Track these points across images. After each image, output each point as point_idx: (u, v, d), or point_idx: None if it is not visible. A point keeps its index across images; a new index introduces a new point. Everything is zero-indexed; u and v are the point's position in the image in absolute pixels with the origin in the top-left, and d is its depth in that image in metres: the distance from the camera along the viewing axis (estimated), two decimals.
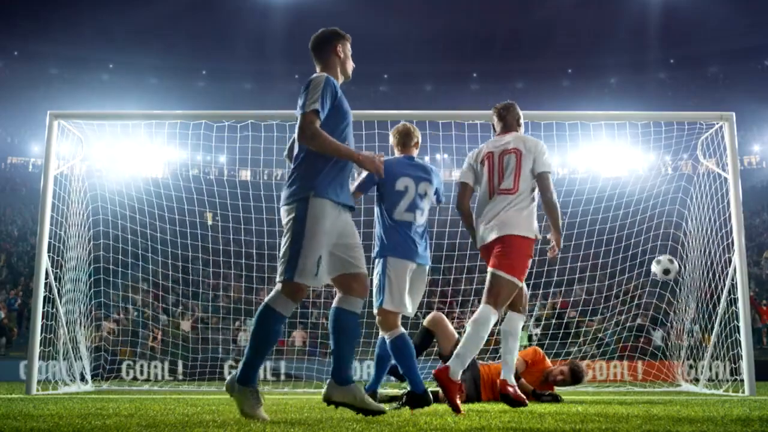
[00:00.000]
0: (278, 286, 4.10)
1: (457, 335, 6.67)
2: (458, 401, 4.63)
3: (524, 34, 42.97)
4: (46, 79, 43.39)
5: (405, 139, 5.58)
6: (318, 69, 4.43)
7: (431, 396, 5.09)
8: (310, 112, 4.06)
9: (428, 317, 6.57)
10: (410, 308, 5.36)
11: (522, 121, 5.63)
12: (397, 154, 5.64)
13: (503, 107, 5.60)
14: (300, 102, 4.15)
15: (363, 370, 16.07)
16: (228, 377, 4.19)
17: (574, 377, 6.71)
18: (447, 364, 4.83)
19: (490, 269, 5.10)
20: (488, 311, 4.95)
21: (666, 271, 8.22)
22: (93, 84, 42.25)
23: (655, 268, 8.29)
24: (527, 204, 5.18)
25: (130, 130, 10.93)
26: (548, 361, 6.92)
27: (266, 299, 4.11)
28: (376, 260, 5.33)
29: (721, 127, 8.90)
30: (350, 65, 4.52)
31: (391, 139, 5.75)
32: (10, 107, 40.25)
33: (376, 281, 5.29)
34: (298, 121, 4.11)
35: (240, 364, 4.13)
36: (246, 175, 22.42)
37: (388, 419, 4.00)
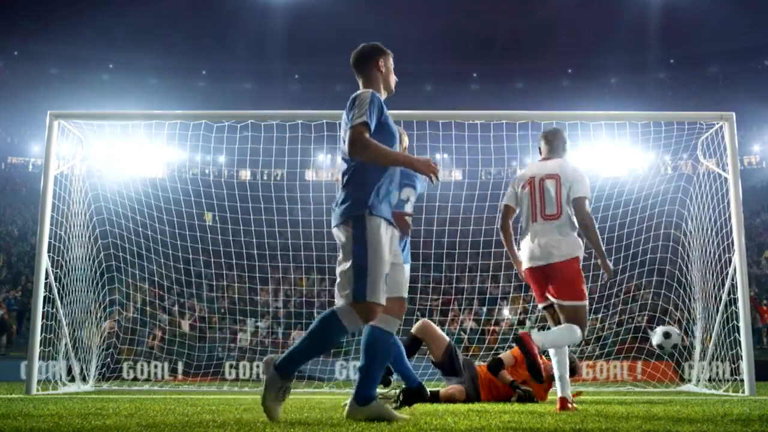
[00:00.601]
0: (345, 303, 3.97)
1: (447, 339, 6.70)
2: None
3: (524, 34, 42.94)
4: (46, 79, 43.37)
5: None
6: (360, 84, 4.40)
7: (427, 391, 5.16)
8: (359, 125, 4.01)
9: (416, 325, 6.68)
10: None
11: (568, 146, 5.73)
12: None
13: (551, 132, 5.75)
14: (346, 118, 4.11)
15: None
16: (263, 366, 4.08)
17: (570, 370, 6.70)
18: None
19: (560, 301, 5.25)
20: (576, 329, 5.17)
21: (666, 341, 7.22)
22: (93, 84, 42.23)
23: (657, 341, 7.34)
24: (572, 229, 5.38)
25: (130, 130, 10.92)
26: (543, 357, 6.92)
27: (336, 307, 4.00)
28: None
29: (721, 127, 8.89)
30: (393, 79, 4.50)
31: (405, 141, 5.79)
32: (10, 107, 40.23)
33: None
34: (348, 136, 4.02)
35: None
36: (246, 175, 22.44)
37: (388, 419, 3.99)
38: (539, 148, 5.76)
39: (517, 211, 5.62)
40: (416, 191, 5.60)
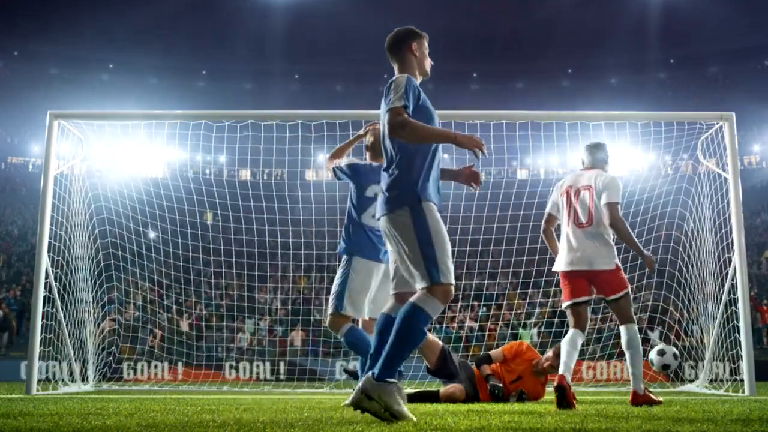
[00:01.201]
0: (424, 291, 3.94)
1: (440, 343, 6.72)
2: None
3: (524, 34, 42.93)
4: (46, 79, 43.37)
5: (378, 149, 5.70)
6: (396, 69, 4.38)
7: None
8: (397, 107, 4.01)
9: None
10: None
11: (610, 159, 6.16)
12: (368, 156, 5.88)
13: (594, 145, 6.18)
14: (384, 103, 4.10)
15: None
16: (352, 397, 3.84)
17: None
18: (633, 389, 5.61)
19: (609, 297, 5.80)
20: (634, 328, 5.74)
21: (658, 357, 7.36)
22: (93, 84, 42.23)
23: (651, 356, 7.50)
24: (608, 237, 5.81)
25: (130, 130, 10.92)
26: (534, 352, 6.93)
27: (413, 299, 3.94)
28: (344, 256, 5.69)
29: (721, 127, 8.89)
30: (428, 63, 4.46)
31: (367, 138, 5.85)
32: (10, 107, 40.23)
33: (338, 281, 5.66)
34: (386, 119, 4.02)
35: (380, 361, 3.87)
36: (246, 175, 22.45)
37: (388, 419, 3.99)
38: (582, 159, 6.17)
39: (558, 218, 6.07)
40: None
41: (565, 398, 5.28)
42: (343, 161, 5.91)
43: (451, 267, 4.00)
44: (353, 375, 5.89)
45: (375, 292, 5.72)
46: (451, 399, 6.32)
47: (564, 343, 5.68)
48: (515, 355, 6.77)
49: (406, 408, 3.85)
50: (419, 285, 3.99)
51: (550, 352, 6.72)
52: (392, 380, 3.83)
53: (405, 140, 4.04)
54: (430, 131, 4.06)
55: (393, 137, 4.06)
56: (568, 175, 6.17)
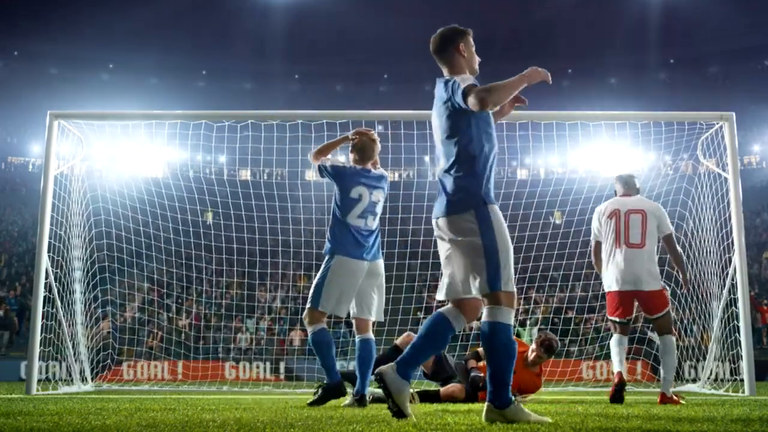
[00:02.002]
0: (490, 303, 3.87)
1: None
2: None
3: (524, 34, 42.91)
4: (46, 79, 43.35)
5: (362, 154, 5.91)
6: (445, 72, 4.26)
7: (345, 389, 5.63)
8: (469, 84, 3.93)
9: (401, 338, 6.81)
10: (374, 314, 5.81)
11: (639, 186, 6.83)
12: (352, 159, 5.99)
13: (629, 175, 6.85)
14: (451, 93, 3.98)
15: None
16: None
17: (546, 349, 6.72)
18: (662, 391, 6.22)
19: (654, 315, 6.38)
20: (672, 339, 6.38)
21: None
22: (93, 84, 42.22)
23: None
24: (655, 258, 6.41)
25: (130, 130, 10.92)
26: (525, 344, 6.93)
27: (487, 318, 3.87)
28: (326, 256, 5.77)
29: (721, 127, 8.89)
30: (476, 60, 4.34)
31: (356, 142, 5.97)
32: (10, 107, 40.23)
33: (318, 278, 5.74)
34: (470, 98, 3.85)
35: (490, 389, 3.84)
36: (246, 175, 22.41)
37: (388, 419, 3.99)
38: (615, 189, 6.82)
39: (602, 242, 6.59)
40: (384, 192, 5.93)
41: (620, 394, 6.11)
42: (328, 161, 5.97)
43: (513, 277, 3.92)
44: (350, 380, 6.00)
45: (363, 291, 5.76)
46: (451, 398, 6.32)
47: (613, 346, 6.38)
48: None
49: (536, 415, 3.87)
50: (477, 292, 3.89)
51: (534, 344, 6.75)
52: (512, 400, 3.82)
53: (497, 104, 3.89)
54: (509, 84, 3.91)
55: (485, 108, 3.89)
56: (608, 202, 6.70)
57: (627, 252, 6.31)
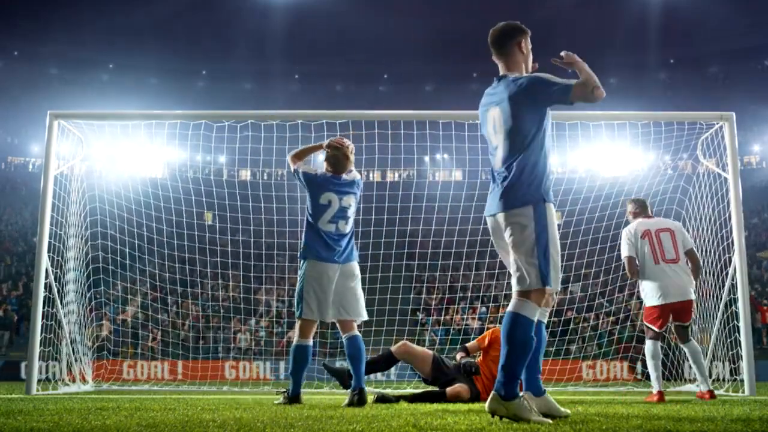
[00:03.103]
0: (519, 296, 3.90)
1: (430, 352, 6.74)
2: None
3: None
4: (46, 79, 43.36)
5: (334, 168, 6.11)
6: (501, 66, 4.27)
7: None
8: (579, 82, 4.04)
9: (396, 346, 6.85)
10: (354, 314, 5.92)
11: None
12: (325, 167, 6.18)
13: (645, 198, 7.74)
14: (547, 90, 4.06)
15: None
16: (490, 402, 3.83)
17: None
18: (709, 389, 7.13)
19: (685, 323, 7.20)
20: (696, 343, 7.34)
21: None
22: (93, 84, 42.24)
23: None
24: (688, 269, 7.19)
25: (130, 130, 10.92)
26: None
27: (512, 308, 3.90)
28: (300, 260, 5.97)
29: (721, 127, 8.89)
30: (531, 61, 4.37)
31: (329, 152, 6.15)
32: (10, 107, 40.25)
33: (298, 286, 5.96)
34: (594, 95, 3.96)
35: (500, 378, 3.81)
36: (246, 175, 22.43)
37: (388, 419, 4.00)
38: (633, 211, 7.55)
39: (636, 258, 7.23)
40: (356, 196, 6.12)
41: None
42: (301, 168, 6.19)
43: (560, 275, 3.99)
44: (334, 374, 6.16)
45: (340, 294, 5.91)
46: (458, 398, 6.31)
47: (651, 358, 7.11)
48: (492, 342, 6.77)
49: (538, 415, 3.82)
50: (522, 286, 3.90)
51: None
52: (519, 394, 3.80)
53: (600, 99, 4.00)
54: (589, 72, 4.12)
55: (597, 101, 4.00)
56: (635, 224, 7.36)
57: (666, 267, 7.07)
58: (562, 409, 4.39)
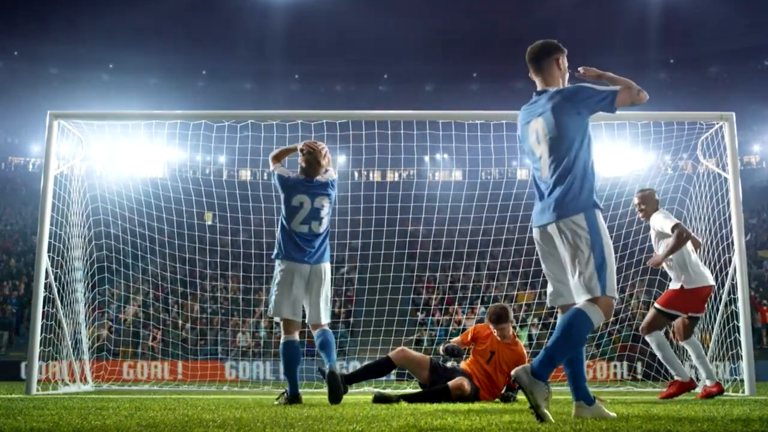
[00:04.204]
0: (587, 301, 3.90)
1: (427, 357, 6.75)
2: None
3: (524, 34, 42.89)
4: (46, 79, 43.36)
5: (306, 172, 6.26)
6: (538, 81, 4.35)
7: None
8: (621, 88, 4.12)
9: (394, 352, 6.90)
10: (322, 319, 6.07)
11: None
12: (299, 170, 6.33)
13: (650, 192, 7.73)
14: (594, 97, 4.12)
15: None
16: (518, 369, 3.88)
17: (496, 319, 6.64)
18: (717, 381, 7.29)
19: (701, 314, 7.48)
20: (697, 340, 7.53)
21: None
22: (93, 84, 42.23)
23: None
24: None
25: (130, 130, 10.92)
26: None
27: (580, 306, 3.91)
28: (275, 261, 6.12)
29: (721, 127, 8.89)
30: (567, 79, 4.43)
31: (303, 158, 6.30)
32: (10, 107, 40.24)
33: (271, 288, 6.12)
34: (639, 98, 4.09)
35: (541, 358, 3.85)
36: (246, 175, 22.44)
37: (388, 419, 4.00)
38: (656, 200, 7.65)
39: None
40: (330, 197, 6.25)
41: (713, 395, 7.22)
42: (277, 170, 6.35)
43: (616, 283, 3.97)
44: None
45: (310, 295, 6.07)
46: (459, 390, 6.32)
47: (695, 352, 7.36)
48: (475, 338, 6.81)
49: (547, 410, 3.81)
50: (583, 297, 3.90)
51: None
52: (546, 381, 3.83)
53: (645, 101, 4.10)
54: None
55: (641, 103, 4.12)
56: (667, 210, 7.67)
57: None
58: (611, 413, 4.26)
